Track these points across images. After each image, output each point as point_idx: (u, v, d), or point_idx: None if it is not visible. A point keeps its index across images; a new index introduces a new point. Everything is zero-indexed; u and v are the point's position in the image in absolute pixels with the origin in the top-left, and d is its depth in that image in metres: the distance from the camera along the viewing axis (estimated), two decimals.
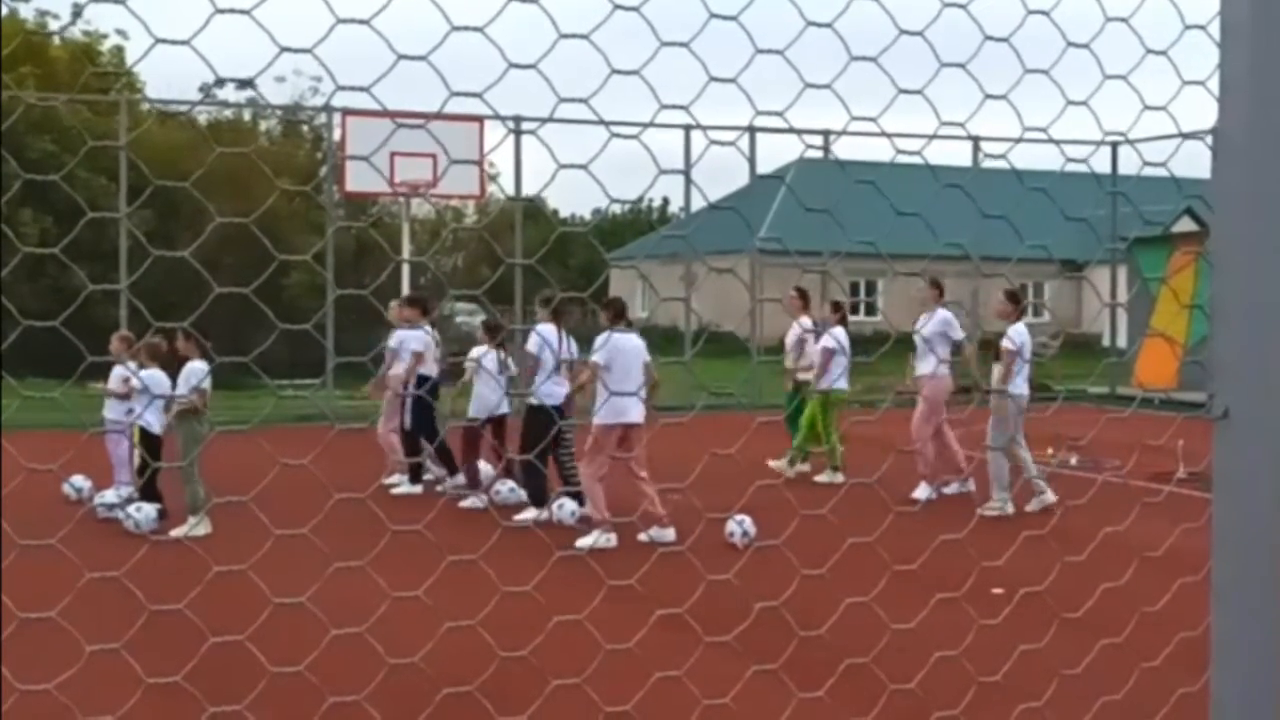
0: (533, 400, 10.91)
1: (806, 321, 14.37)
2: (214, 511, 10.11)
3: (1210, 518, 2.43)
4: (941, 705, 3.89)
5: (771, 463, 13.59)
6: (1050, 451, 14.13)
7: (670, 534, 9.84)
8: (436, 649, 3.67)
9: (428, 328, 12.60)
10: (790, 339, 14.46)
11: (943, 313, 12.58)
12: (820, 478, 13.24)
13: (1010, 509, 11.37)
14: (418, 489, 12.42)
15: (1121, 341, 25.51)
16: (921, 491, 11.94)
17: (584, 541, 9.67)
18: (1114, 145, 20.84)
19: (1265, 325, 2.38)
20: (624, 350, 10.06)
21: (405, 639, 3.89)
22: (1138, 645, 3.93)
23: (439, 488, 12.51)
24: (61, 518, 8.83)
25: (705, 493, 5.39)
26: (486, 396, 11.80)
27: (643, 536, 9.75)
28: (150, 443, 10.74)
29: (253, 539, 3.42)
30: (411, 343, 12.34)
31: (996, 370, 11.64)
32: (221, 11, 2.41)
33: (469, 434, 11.97)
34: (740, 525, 9.59)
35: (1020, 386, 11.44)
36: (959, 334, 12.73)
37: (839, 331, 13.09)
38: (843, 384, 13.47)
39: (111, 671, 3.67)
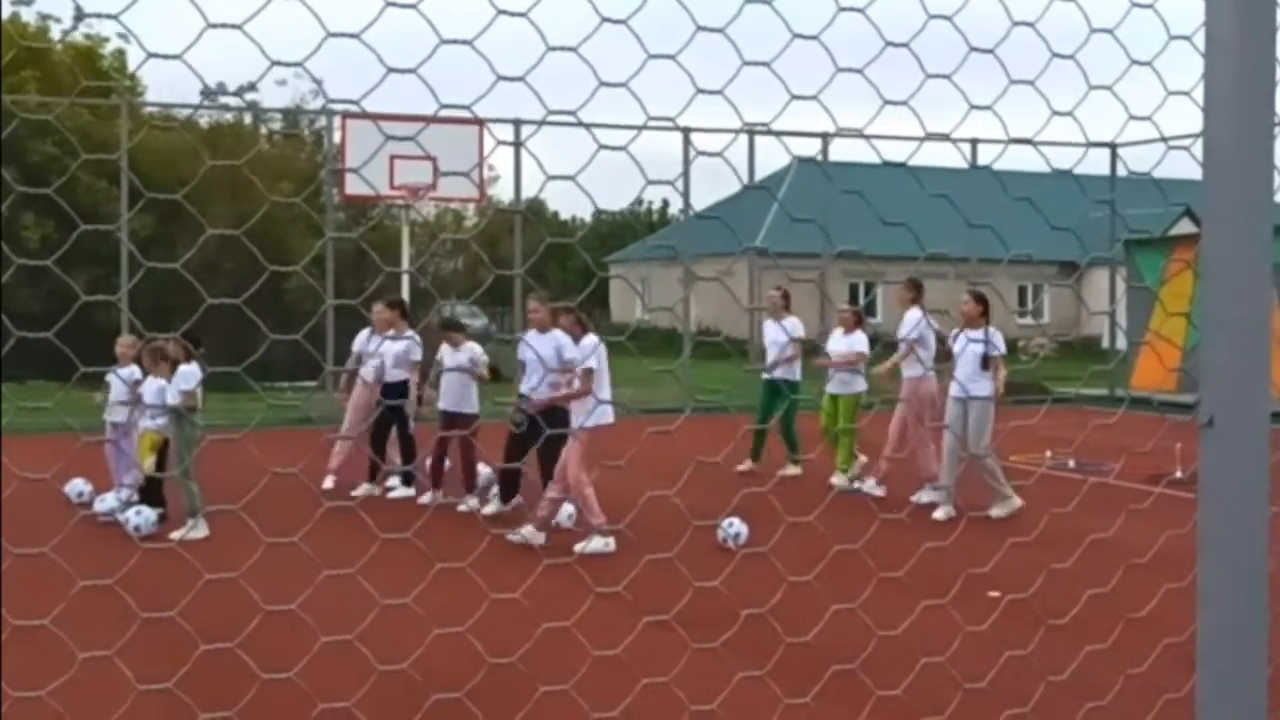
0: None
1: (791, 322, 13.58)
2: (209, 516, 10.13)
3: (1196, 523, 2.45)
4: (928, 710, 3.91)
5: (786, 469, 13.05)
6: (1048, 454, 14.14)
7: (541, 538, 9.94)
8: (426, 654, 3.68)
9: (410, 333, 12.47)
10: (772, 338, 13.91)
11: (915, 313, 12.11)
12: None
13: (952, 511, 10.98)
14: (412, 491, 12.29)
15: (1121, 343, 25.52)
16: (926, 495, 11.73)
17: (582, 545, 9.69)
18: (1112, 147, 20.87)
19: (1250, 335, 2.40)
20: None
21: (396, 645, 3.91)
22: (1124, 650, 3.95)
23: (391, 494, 12.42)
24: (64, 521, 8.85)
25: (694, 497, 5.40)
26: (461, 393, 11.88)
27: (513, 536, 9.78)
28: (161, 446, 10.74)
29: (246, 545, 3.45)
30: (395, 348, 12.29)
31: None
32: (214, 26, 2.43)
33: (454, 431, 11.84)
34: (730, 528, 9.59)
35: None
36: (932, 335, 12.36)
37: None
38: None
39: (107, 677, 3.70)
